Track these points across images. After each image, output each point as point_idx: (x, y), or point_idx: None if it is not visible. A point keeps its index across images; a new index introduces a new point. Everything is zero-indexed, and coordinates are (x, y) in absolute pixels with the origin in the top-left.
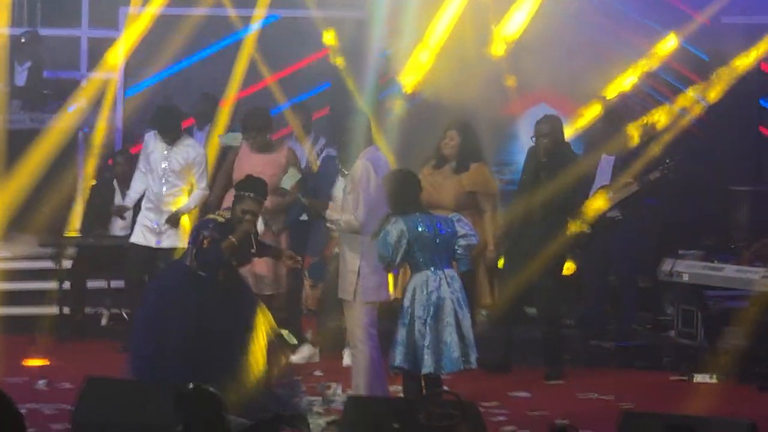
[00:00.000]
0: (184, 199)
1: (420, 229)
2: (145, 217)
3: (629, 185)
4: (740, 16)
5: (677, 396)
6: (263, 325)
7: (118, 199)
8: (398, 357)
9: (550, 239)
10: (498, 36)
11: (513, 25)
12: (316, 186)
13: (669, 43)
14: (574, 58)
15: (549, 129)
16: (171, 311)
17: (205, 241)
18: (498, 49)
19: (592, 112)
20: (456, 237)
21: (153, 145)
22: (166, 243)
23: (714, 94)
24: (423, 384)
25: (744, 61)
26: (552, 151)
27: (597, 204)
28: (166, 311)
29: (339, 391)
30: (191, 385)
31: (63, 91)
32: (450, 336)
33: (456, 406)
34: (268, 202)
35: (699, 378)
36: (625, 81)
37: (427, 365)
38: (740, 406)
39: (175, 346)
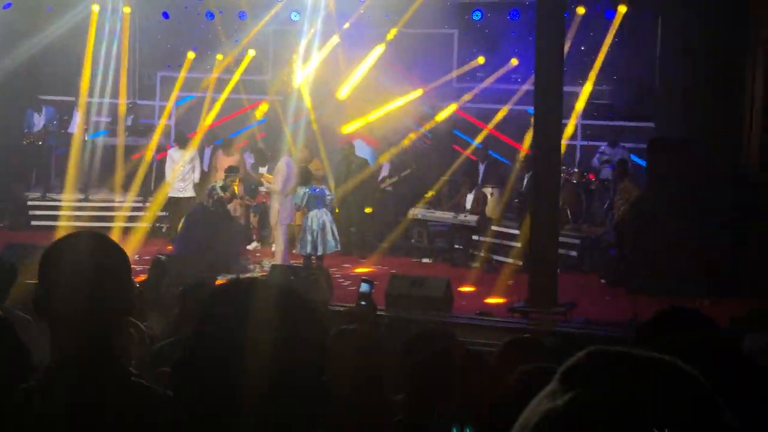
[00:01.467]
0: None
1: (312, 191)
2: None
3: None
4: None
5: (420, 269)
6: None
7: None
8: (301, 247)
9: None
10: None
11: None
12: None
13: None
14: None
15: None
16: (197, 224)
17: (213, 194)
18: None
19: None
20: (324, 195)
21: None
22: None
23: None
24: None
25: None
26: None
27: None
28: (195, 225)
29: (268, 262)
30: None
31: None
32: (327, 236)
33: (319, 269)
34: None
35: (425, 260)
36: None
37: (313, 249)
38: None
39: (197, 239)
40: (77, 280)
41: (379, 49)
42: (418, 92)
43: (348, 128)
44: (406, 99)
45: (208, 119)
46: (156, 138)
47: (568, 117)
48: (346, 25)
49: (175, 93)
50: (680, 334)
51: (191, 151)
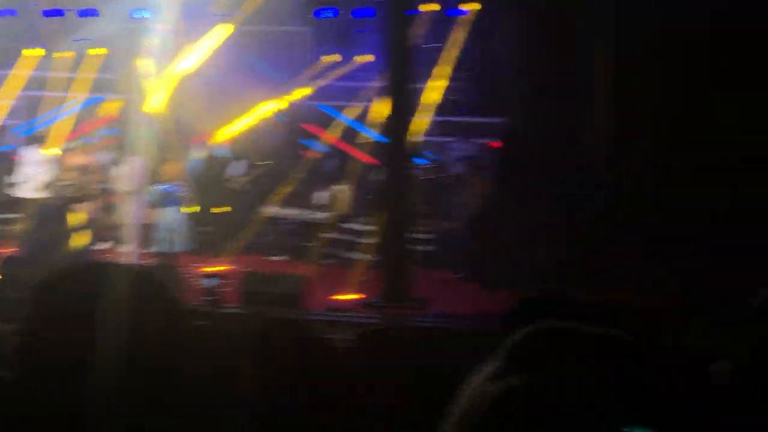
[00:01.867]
0: None
1: (165, 189)
2: None
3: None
4: None
5: (273, 267)
6: None
7: None
8: (155, 245)
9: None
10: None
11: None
12: None
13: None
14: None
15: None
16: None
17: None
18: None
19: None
20: (176, 193)
21: None
22: None
23: None
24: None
25: None
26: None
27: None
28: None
29: None
30: None
31: None
32: (180, 234)
33: (169, 267)
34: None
35: (276, 258)
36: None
37: (167, 247)
38: None
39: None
40: None
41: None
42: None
43: (220, 136)
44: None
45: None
46: None
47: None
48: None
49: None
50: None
51: (46, 151)
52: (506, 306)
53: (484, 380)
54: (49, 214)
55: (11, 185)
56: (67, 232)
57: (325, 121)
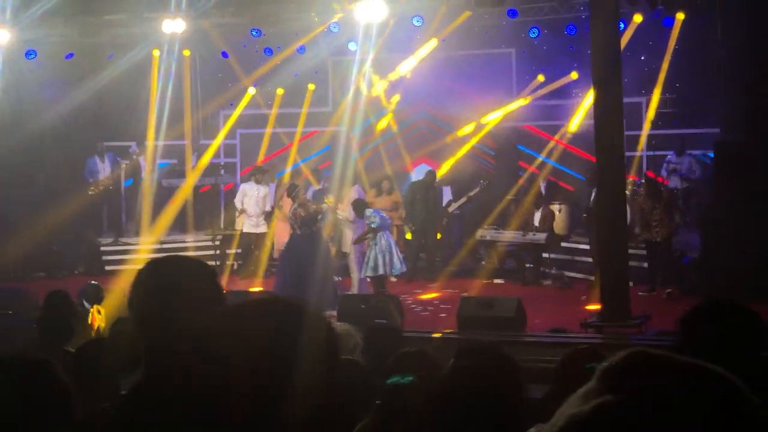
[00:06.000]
0: None
1: (379, 215)
2: None
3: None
4: None
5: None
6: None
7: None
8: (370, 269)
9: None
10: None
11: None
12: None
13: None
14: None
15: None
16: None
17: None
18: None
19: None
20: (387, 219)
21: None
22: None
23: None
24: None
25: None
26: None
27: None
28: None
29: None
30: None
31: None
32: (394, 258)
33: (388, 296)
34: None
35: (496, 281)
36: None
37: (382, 271)
38: None
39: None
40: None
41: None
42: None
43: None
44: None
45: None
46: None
47: (637, 128)
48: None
49: (226, 129)
50: (720, 327)
51: (265, 186)
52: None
53: (574, 398)
54: (296, 244)
55: (234, 220)
56: (316, 265)
57: (537, 141)
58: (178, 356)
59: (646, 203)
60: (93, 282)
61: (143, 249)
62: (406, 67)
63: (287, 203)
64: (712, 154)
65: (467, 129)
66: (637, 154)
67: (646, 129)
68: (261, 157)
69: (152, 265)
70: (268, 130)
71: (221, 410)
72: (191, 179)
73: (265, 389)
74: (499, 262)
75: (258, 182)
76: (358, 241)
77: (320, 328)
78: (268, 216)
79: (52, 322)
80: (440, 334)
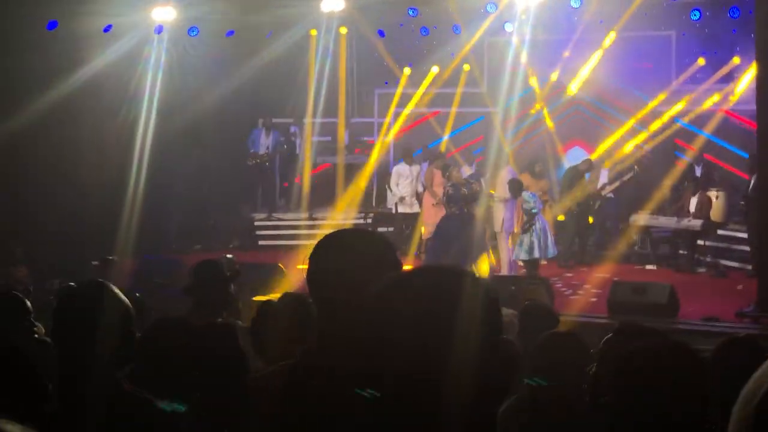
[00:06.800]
0: None
1: (533, 198)
2: None
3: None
4: None
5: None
6: None
7: None
8: (525, 252)
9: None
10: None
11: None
12: None
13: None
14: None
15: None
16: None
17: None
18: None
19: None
20: (539, 202)
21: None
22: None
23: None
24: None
25: None
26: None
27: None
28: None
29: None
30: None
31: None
32: (548, 241)
33: (539, 278)
34: None
35: (648, 267)
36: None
37: (537, 254)
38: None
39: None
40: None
41: (598, 54)
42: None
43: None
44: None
45: (446, 132)
46: (375, 155)
47: None
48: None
49: (392, 109)
50: None
51: (416, 166)
52: None
53: None
54: (451, 222)
55: (390, 200)
56: (466, 245)
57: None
58: (350, 322)
59: None
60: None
61: (296, 225)
62: (588, 68)
63: (438, 182)
64: None
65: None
66: None
67: None
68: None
69: (332, 235)
70: (422, 111)
71: (388, 373)
72: (342, 157)
73: (431, 352)
74: (653, 247)
75: (409, 164)
76: (520, 229)
77: (479, 292)
78: (420, 196)
79: (201, 291)
80: (591, 319)
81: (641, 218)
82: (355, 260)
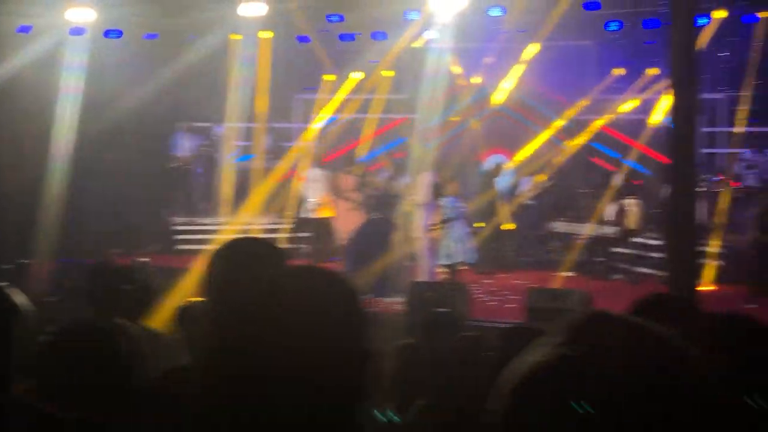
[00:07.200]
0: None
1: (452, 203)
2: None
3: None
4: None
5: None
6: None
7: None
8: (443, 257)
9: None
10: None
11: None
12: None
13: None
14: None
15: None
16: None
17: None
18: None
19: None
20: (461, 207)
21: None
22: None
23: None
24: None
25: None
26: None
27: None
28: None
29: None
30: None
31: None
32: (466, 246)
33: (457, 284)
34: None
35: (565, 273)
36: None
37: (454, 259)
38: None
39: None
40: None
41: (520, 64)
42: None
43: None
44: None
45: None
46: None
47: (718, 125)
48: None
49: (316, 115)
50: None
51: (328, 172)
52: None
53: (540, 348)
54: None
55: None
56: (383, 250)
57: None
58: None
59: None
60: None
61: (216, 230)
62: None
63: (352, 187)
64: None
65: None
66: (715, 150)
67: (736, 126)
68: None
69: (226, 245)
70: (346, 116)
71: (254, 373)
72: (260, 161)
73: (304, 349)
74: (570, 254)
75: (321, 168)
76: (432, 230)
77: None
78: (332, 201)
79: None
80: (506, 324)
81: (559, 225)
82: (245, 266)
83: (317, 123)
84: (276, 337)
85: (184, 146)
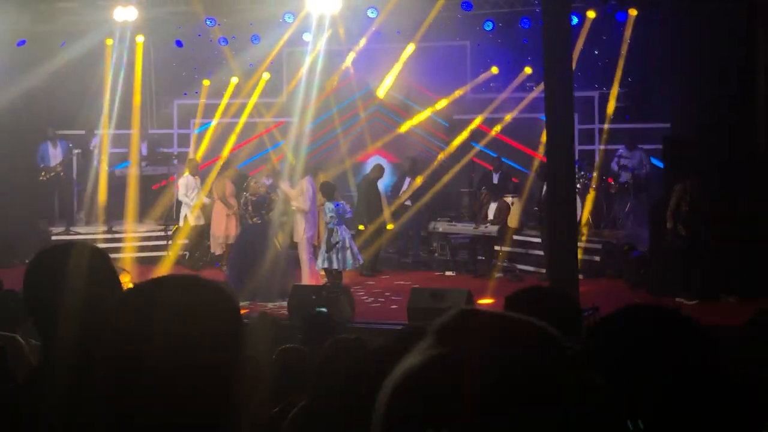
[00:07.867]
0: None
1: (336, 206)
2: None
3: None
4: None
5: (443, 282)
6: None
7: None
8: (323, 261)
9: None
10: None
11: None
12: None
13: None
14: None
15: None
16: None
17: (248, 201)
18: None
19: None
20: (345, 211)
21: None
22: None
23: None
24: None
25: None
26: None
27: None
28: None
29: None
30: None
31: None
32: (347, 252)
33: (340, 287)
34: None
35: (448, 273)
36: None
37: (336, 264)
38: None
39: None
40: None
41: (397, 64)
42: (441, 103)
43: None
44: (427, 112)
45: (227, 146)
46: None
47: (593, 122)
48: (362, 42)
49: (195, 121)
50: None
51: (199, 177)
52: None
53: (414, 353)
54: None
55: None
56: (266, 254)
57: (488, 135)
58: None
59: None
60: None
61: (94, 238)
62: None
63: (230, 193)
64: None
65: (420, 117)
66: (590, 147)
67: (606, 123)
68: (228, 149)
69: (40, 255)
70: (222, 121)
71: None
72: (135, 169)
73: (183, 360)
74: (452, 254)
75: (193, 174)
76: (314, 235)
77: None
78: (210, 207)
79: None
80: (389, 325)
81: (440, 225)
82: (65, 276)
83: (196, 129)
84: (149, 350)
85: (52, 155)
